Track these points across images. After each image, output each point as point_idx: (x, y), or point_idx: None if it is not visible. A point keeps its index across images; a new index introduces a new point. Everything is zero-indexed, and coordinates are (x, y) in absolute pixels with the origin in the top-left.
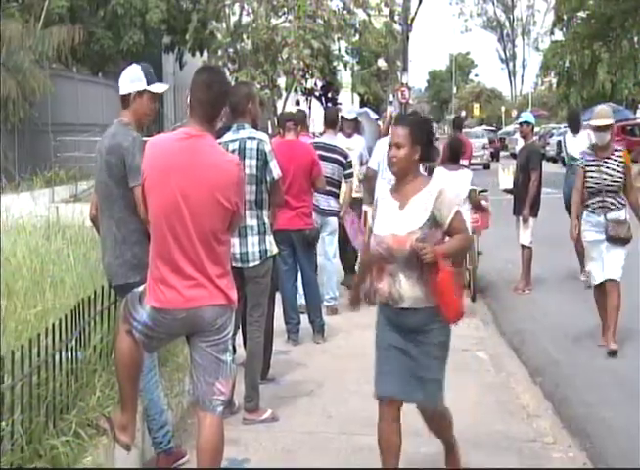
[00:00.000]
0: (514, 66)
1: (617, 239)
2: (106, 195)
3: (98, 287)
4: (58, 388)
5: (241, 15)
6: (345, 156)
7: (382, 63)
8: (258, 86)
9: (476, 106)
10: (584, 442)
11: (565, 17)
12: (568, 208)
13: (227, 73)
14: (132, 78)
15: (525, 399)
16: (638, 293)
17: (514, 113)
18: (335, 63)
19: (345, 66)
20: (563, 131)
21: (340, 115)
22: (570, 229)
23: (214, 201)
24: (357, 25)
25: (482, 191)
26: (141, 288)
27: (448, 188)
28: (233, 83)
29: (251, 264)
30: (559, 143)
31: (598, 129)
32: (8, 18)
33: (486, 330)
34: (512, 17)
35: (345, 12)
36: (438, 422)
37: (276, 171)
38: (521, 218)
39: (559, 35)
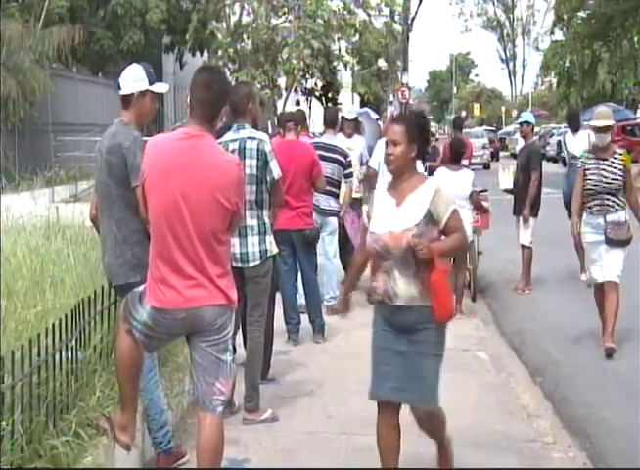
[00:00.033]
0: (514, 66)
1: (617, 242)
2: (106, 195)
3: (98, 287)
4: (58, 388)
5: (241, 15)
6: (345, 156)
7: (382, 63)
8: (259, 86)
9: (476, 106)
10: (584, 442)
11: (565, 16)
12: (568, 207)
13: (227, 73)
14: (135, 78)
15: (525, 399)
16: (638, 293)
17: (514, 113)
18: (335, 63)
19: (346, 66)
20: (563, 131)
21: (340, 115)
22: (570, 226)
23: (214, 201)
24: (357, 25)
25: (482, 191)
26: (141, 288)
27: (444, 187)
28: (233, 83)
29: (251, 264)
30: (559, 143)
31: (598, 130)
32: (8, 18)
33: (487, 330)
34: (512, 17)
35: (345, 12)
36: (431, 422)
37: (276, 171)
38: (521, 218)
39: (559, 35)
